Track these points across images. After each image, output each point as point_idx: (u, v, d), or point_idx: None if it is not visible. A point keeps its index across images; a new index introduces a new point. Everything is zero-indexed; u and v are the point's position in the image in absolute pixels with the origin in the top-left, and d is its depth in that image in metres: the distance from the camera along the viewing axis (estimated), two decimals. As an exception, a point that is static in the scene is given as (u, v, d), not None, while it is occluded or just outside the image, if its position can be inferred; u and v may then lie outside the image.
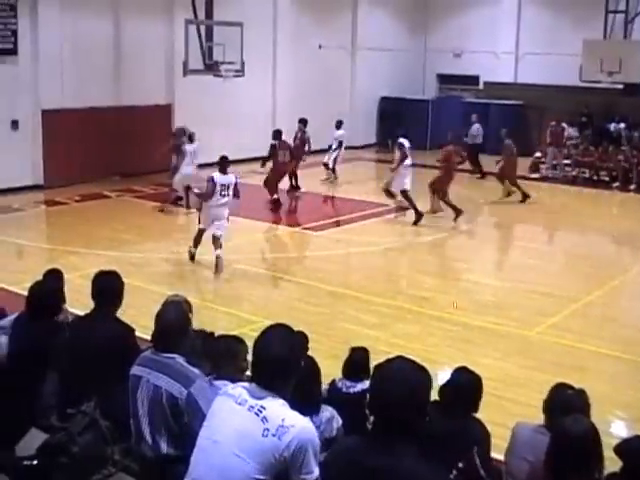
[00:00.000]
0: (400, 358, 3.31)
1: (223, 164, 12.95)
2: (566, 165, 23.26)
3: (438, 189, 16.67)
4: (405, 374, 3.20)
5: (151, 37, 21.12)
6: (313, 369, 5.23)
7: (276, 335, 3.71)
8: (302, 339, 5.24)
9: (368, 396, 3.36)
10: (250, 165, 20.48)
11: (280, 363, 3.60)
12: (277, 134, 18.85)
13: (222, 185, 12.75)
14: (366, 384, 5.96)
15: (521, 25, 27.84)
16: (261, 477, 3.45)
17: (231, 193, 12.83)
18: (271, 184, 18.34)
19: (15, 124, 18.58)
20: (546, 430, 4.62)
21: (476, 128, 23.16)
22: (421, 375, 3.24)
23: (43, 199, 18.32)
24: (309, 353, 5.53)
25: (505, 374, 8.93)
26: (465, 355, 9.14)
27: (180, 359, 4.57)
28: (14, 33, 18.22)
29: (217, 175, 12.84)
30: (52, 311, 5.95)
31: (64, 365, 5.48)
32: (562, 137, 23.45)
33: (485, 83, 28.27)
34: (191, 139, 17.57)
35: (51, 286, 6.19)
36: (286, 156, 18.57)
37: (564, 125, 23.37)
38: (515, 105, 26.62)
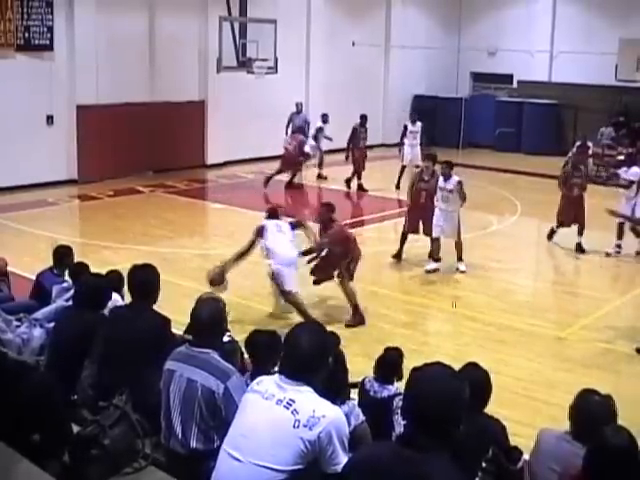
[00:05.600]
0: (439, 364, 3.24)
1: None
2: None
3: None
4: (444, 381, 3.13)
5: (185, 34, 21.21)
6: (338, 359, 5.19)
7: (307, 330, 3.79)
8: (333, 338, 5.22)
9: (403, 400, 3.28)
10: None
11: (309, 357, 3.64)
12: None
13: None
14: (394, 389, 5.93)
15: (556, 23, 27.49)
16: (293, 468, 3.50)
17: None
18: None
19: (50, 119, 18.76)
20: (571, 437, 4.55)
21: None
22: (459, 384, 3.18)
23: (77, 194, 18.46)
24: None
25: (537, 375, 8.87)
26: (497, 355, 9.10)
27: (214, 354, 4.60)
28: (50, 29, 18.39)
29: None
30: (98, 304, 6.00)
31: (100, 357, 5.53)
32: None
33: (519, 82, 28.03)
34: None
35: (97, 280, 6.28)
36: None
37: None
38: (549, 104, 26.37)
